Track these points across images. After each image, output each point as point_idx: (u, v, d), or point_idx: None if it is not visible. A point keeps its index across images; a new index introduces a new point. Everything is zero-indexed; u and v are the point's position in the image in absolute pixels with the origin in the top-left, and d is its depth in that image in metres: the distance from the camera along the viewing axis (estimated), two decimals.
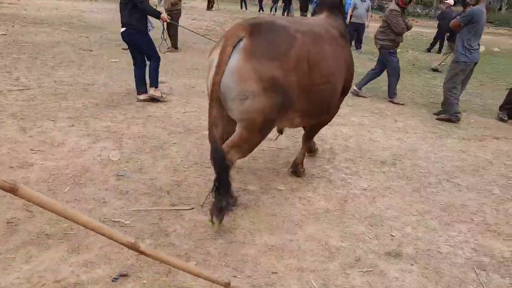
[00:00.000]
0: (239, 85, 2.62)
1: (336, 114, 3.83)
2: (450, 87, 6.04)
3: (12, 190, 1.21)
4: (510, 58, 14.07)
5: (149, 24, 5.51)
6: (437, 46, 14.20)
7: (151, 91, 5.66)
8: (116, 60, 8.03)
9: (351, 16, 11.39)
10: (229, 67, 2.62)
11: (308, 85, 2.89)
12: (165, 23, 6.12)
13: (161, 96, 5.74)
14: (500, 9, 34.48)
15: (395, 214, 3.34)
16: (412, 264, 2.72)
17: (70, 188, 3.23)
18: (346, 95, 3.67)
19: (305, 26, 3.07)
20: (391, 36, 6.70)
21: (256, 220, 3.05)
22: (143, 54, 5.54)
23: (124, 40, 5.52)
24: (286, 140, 4.69)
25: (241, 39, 2.67)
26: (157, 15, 5.41)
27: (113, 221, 2.86)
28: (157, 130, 4.64)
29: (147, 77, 5.66)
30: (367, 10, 11.69)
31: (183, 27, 7.93)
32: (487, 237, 3.14)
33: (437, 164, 4.45)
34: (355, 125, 5.56)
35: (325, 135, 4.88)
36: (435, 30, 14.17)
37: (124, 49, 8.67)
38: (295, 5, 20.44)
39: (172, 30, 9.10)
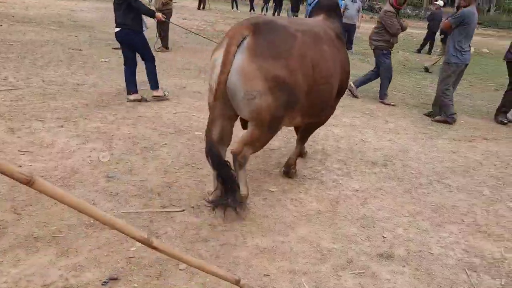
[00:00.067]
0: (245, 85, 2.64)
1: None
2: (444, 89, 6.06)
3: (29, 182, 1.22)
4: (499, 59, 14.10)
5: (143, 24, 5.48)
6: (427, 47, 14.34)
7: (154, 93, 5.69)
8: (106, 59, 7.95)
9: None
10: (234, 66, 2.63)
11: (310, 83, 2.92)
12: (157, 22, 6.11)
13: (164, 95, 5.78)
14: (488, 10, 34.88)
15: (387, 215, 3.35)
16: (404, 266, 2.72)
17: None
18: (341, 96, 3.69)
19: (304, 26, 3.10)
20: (386, 37, 6.74)
21: (248, 222, 3.03)
22: (136, 54, 5.51)
23: (118, 40, 5.48)
24: (278, 141, 4.67)
25: (244, 38, 2.68)
26: (151, 14, 5.44)
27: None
28: (148, 131, 4.59)
29: (142, 78, 5.61)
30: (358, 11, 11.72)
31: (177, 25, 7.88)
32: (477, 238, 3.15)
33: (428, 165, 4.48)
34: (347, 126, 5.57)
35: (316, 136, 4.87)
36: (425, 31, 14.30)
37: (114, 48, 8.61)
38: (285, 5, 20.43)
39: (163, 30, 9.04)
